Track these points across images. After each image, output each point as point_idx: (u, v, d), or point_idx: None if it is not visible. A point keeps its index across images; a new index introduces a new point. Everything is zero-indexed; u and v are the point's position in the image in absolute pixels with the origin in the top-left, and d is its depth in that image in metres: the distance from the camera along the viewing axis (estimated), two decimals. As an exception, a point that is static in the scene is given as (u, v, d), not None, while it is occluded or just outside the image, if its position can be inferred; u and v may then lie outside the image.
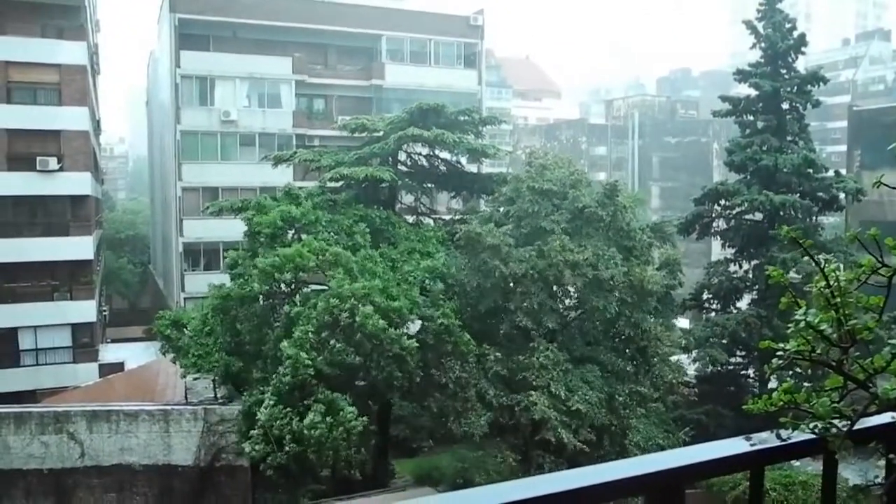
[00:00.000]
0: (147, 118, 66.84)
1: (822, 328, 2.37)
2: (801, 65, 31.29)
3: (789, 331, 2.52)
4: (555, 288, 22.28)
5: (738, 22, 34.11)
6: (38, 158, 32.84)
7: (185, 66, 41.90)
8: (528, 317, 21.18)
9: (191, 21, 41.83)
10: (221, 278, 25.10)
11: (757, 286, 27.92)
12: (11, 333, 33.42)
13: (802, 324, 2.39)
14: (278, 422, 18.65)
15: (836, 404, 2.40)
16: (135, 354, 37.21)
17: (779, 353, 2.58)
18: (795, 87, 28.35)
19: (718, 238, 30.36)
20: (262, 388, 20.40)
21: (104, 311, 44.74)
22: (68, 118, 33.75)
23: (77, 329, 34.83)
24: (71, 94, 33.78)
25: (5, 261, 32.58)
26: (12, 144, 32.95)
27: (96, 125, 44.89)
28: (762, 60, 28.78)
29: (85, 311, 35.02)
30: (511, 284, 21.29)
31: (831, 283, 2.37)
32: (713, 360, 26.21)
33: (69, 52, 33.59)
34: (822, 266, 2.41)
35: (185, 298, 40.26)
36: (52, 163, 33.10)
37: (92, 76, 39.27)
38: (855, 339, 2.39)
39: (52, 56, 33.18)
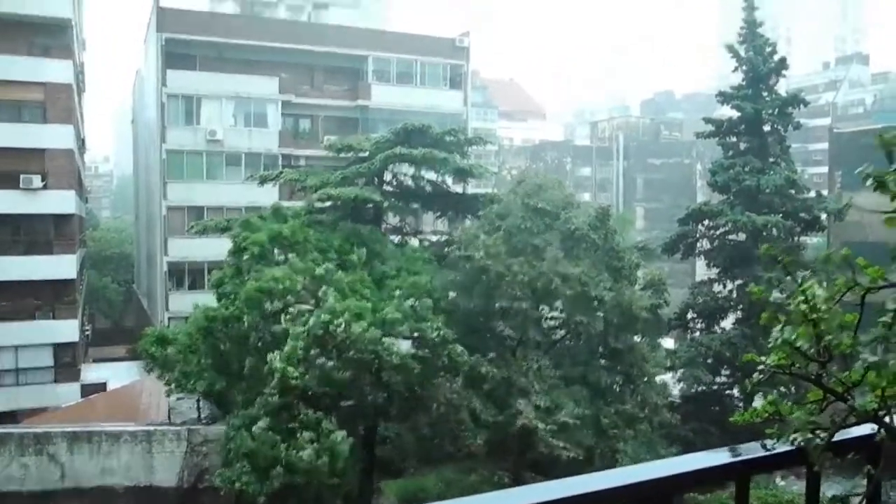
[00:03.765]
0: (133, 137, 66.70)
1: (798, 344, 2.45)
2: (782, 87, 31.75)
3: (769, 345, 2.59)
4: (542, 307, 22.37)
5: (721, 46, 34.59)
6: (22, 176, 32.67)
7: (171, 85, 41.92)
8: (516, 329, 21.24)
9: (177, 40, 41.91)
10: (206, 298, 24.94)
11: (741, 306, 28.11)
12: (-9, 353, 33.05)
13: (780, 340, 2.46)
14: (264, 448, 18.37)
15: (814, 416, 2.47)
16: (117, 374, 36.91)
17: (760, 367, 2.65)
18: (777, 110, 28.76)
19: (703, 258, 30.60)
20: (246, 409, 20.21)
21: (87, 330, 44.36)
22: (53, 136, 33.63)
23: (59, 349, 34.49)
24: (56, 113, 33.68)
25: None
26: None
27: (81, 143, 44.76)
28: (744, 83, 29.20)
29: (67, 330, 34.70)
30: (499, 294, 21.25)
31: (808, 300, 2.45)
32: (698, 379, 26.33)
33: (55, 71, 33.53)
34: (799, 283, 2.49)
35: (169, 318, 40.00)
36: (36, 181, 32.94)
37: (77, 94, 39.20)
38: (832, 354, 2.46)
39: (37, 74, 33.14)
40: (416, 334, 20.54)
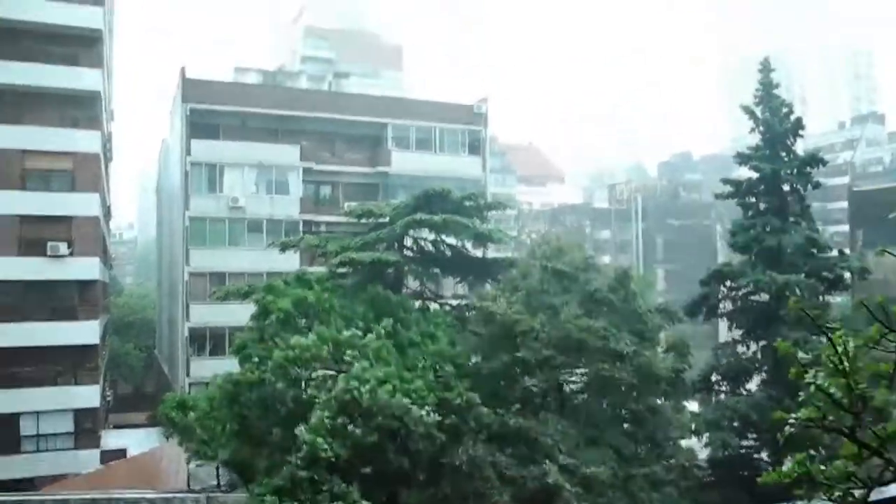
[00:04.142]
0: (157, 204, 67.85)
1: (831, 391, 2.40)
2: (800, 147, 31.83)
3: (800, 398, 2.57)
4: (563, 363, 22.16)
5: (735, 107, 34.87)
6: (49, 244, 33.25)
7: (195, 153, 42.80)
8: (538, 388, 20.99)
9: (202, 110, 42.99)
10: (227, 364, 24.95)
11: (766, 367, 27.64)
12: (13, 419, 33.06)
13: (812, 387, 2.44)
14: None
15: (851, 471, 2.40)
16: (138, 441, 36.73)
17: (790, 421, 2.60)
18: (795, 170, 28.75)
19: (725, 319, 30.24)
20: (270, 478, 19.91)
21: (108, 396, 44.36)
22: (80, 204, 34.33)
23: (80, 414, 34.46)
24: (83, 181, 34.46)
25: (12, 345, 32.53)
26: (24, 230, 33.42)
27: (107, 211, 45.58)
28: (761, 144, 29.30)
29: (89, 396, 34.74)
30: (521, 351, 21.08)
31: (839, 349, 2.42)
32: (725, 443, 25.71)
33: (84, 141, 34.46)
34: (829, 333, 2.47)
35: (190, 384, 39.95)
36: (63, 248, 33.49)
37: (104, 163, 40.11)
38: (866, 405, 2.42)
39: (67, 144, 34.04)
40: (441, 402, 20.35)
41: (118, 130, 46.73)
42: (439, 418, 19.26)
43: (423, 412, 18.99)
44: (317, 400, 18.97)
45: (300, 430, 18.38)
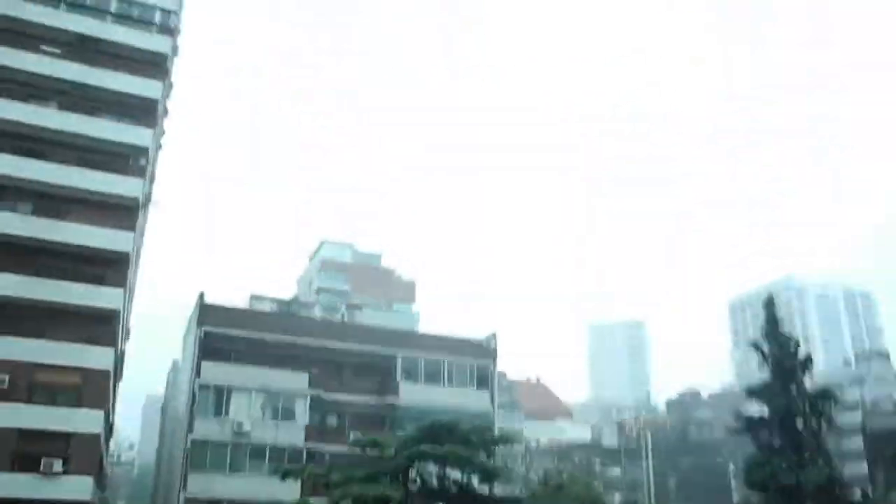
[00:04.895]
0: (160, 425, 66.78)
1: None
2: (807, 383, 31.86)
3: None
4: None
5: (738, 342, 35.36)
6: (44, 460, 32.14)
7: (204, 375, 42.92)
8: None
9: (215, 334, 43.72)
10: None
11: None
12: None
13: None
14: None
15: None
16: None
17: None
18: (808, 405, 28.61)
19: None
20: None
21: None
22: (83, 421, 33.68)
23: None
24: (90, 397, 34.09)
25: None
26: (22, 444, 32.40)
27: (109, 429, 44.79)
28: (770, 379, 29.43)
29: None
30: None
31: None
32: None
33: (96, 357, 34.61)
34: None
35: None
36: (57, 465, 32.36)
37: (114, 381, 40.10)
38: None
39: (79, 360, 34.07)
40: None
41: (131, 348, 47.16)
42: None
43: None
44: None
45: None
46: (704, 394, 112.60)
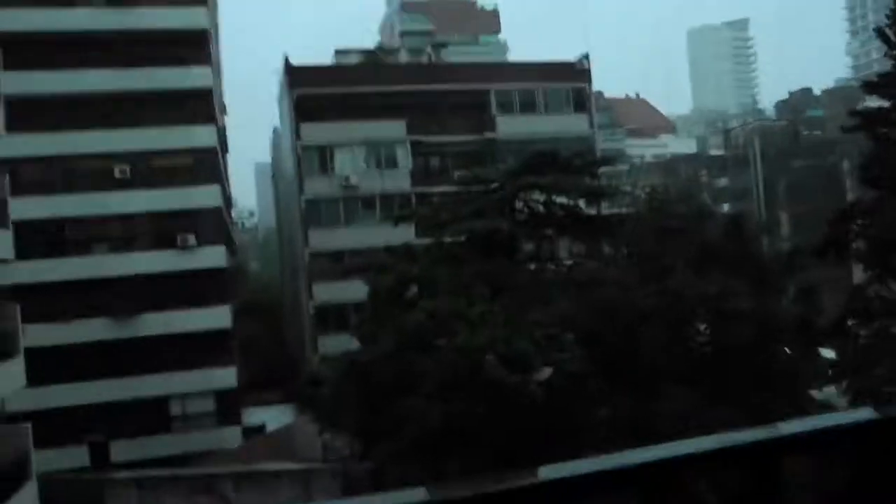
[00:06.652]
0: (274, 191, 70.23)
1: None
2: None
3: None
4: (680, 328, 21.54)
5: (856, 32, 32.49)
6: (179, 236, 35.13)
7: (305, 137, 43.94)
8: (654, 358, 20.49)
9: (308, 95, 44.00)
10: (351, 339, 25.68)
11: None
12: (163, 402, 35.33)
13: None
14: None
15: None
16: (274, 417, 38.50)
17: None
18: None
19: (859, 260, 28.49)
20: (391, 445, 20.40)
21: (243, 377, 46.56)
22: (202, 197, 36.02)
23: (220, 395, 36.40)
24: (204, 175, 36.12)
25: (154, 333, 34.66)
26: (154, 225, 35.60)
27: (227, 200, 47.56)
28: (892, 69, 27.21)
29: (226, 377, 36.58)
30: (633, 325, 20.67)
31: None
32: (868, 389, 24.37)
33: (200, 136, 36.02)
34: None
35: (317, 361, 41.38)
36: (191, 239, 35.30)
37: (222, 156, 41.80)
38: None
39: (186, 141, 35.62)
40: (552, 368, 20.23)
41: (231, 124, 48.54)
42: (542, 392, 19.18)
43: (523, 381, 18.98)
44: (427, 372, 19.35)
45: (411, 401, 18.84)
46: (817, 90, 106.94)
